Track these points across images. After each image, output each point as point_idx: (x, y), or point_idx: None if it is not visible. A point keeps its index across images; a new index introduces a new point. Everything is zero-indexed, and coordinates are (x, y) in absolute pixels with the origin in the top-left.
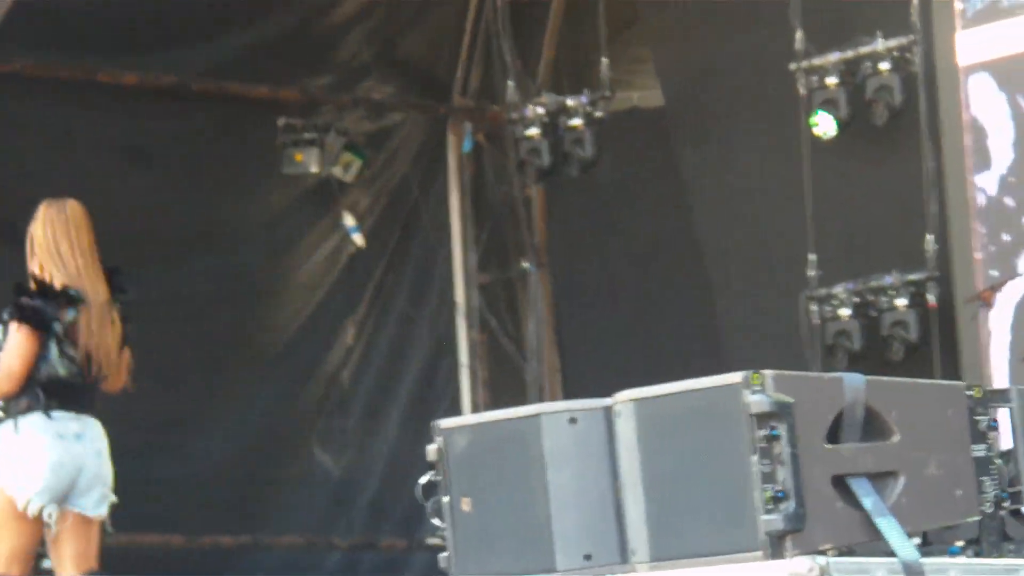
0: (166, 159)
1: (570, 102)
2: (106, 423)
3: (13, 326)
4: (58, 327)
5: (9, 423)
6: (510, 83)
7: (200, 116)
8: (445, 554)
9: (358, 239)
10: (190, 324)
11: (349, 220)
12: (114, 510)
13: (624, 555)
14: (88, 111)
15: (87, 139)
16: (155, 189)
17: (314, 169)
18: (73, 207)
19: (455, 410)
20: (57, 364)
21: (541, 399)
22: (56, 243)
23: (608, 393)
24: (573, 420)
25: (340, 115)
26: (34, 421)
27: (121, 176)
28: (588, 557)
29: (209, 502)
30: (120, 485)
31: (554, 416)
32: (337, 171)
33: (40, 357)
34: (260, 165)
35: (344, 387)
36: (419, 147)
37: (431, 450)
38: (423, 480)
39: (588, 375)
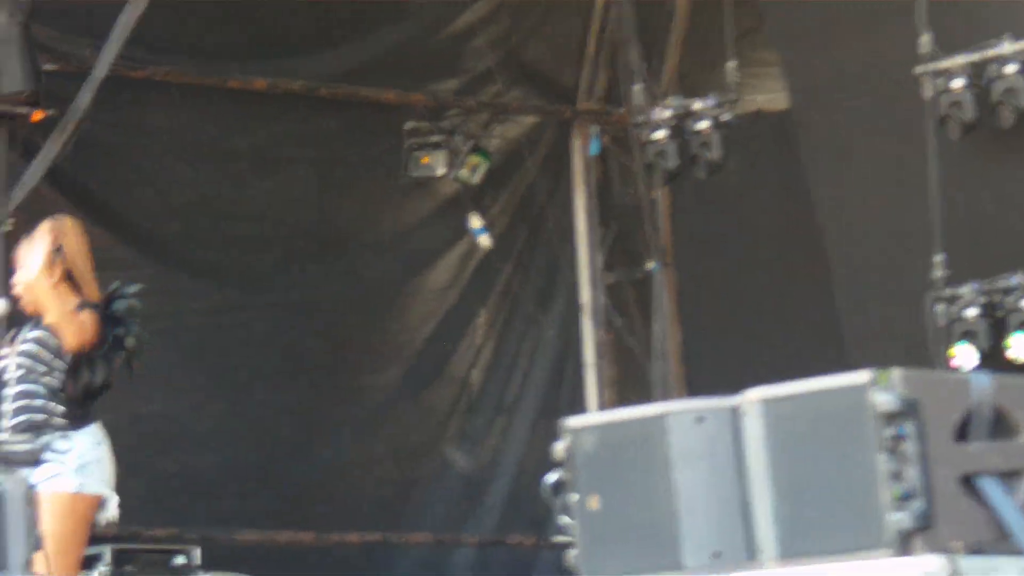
0: (295, 164)
1: (697, 105)
2: (244, 423)
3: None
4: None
5: (91, 428)
6: (636, 86)
7: (328, 121)
8: (573, 552)
9: (485, 240)
10: (321, 326)
11: (476, 222)
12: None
13: (751, 552)
14: (217, 117)
15: (216, 144)
16: (284, 193)
17: (441, 172)
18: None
19: (581, 409)
20: (105, 372)
21: (667, 398)
22: (84, 256)
23: (733, 392)
24: (700, 419)
25: (467, 119)
26: (97, 428)
27: (251, 181)
28: (716, 555)
29: (339, 501)
30: (253, 484)
31: (681, 415)
32: (464, 174)
33: (98, 361)
34: (387, 169)
35: (474, 387)
36: (545, 150)
37: (559, 448)
38: (551, 478)
39: (713, 374)
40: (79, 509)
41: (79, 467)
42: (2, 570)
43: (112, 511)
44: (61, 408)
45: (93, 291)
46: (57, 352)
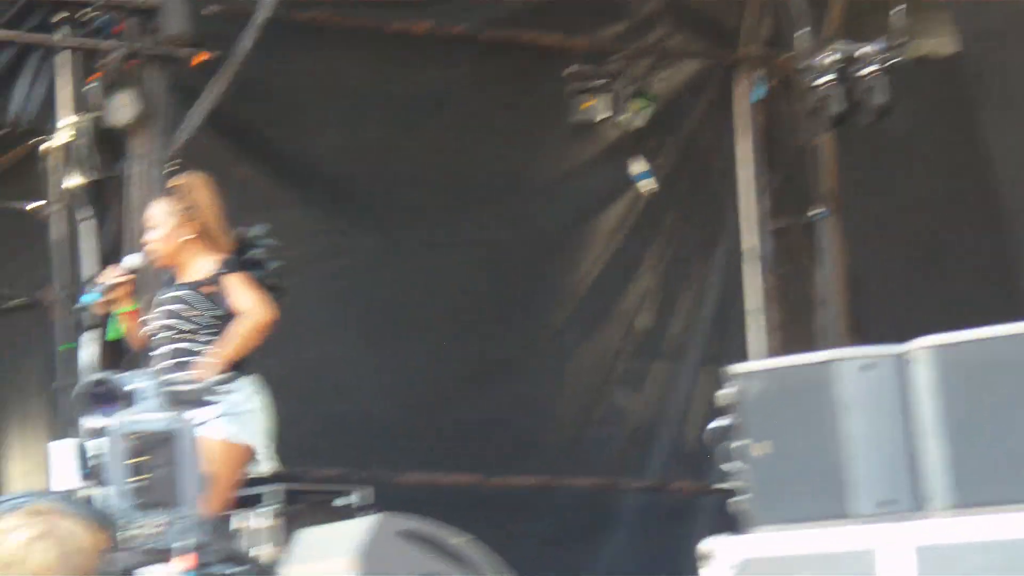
0: (457, 108)
1: (863, 49)
2: (413, 365)
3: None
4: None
5: (249, 379)
6: (802, 30)
7: (490, 65)
8: (737, 498)
9: (649, 184)
10: (489, 270)
11: (640, 166)
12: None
13: (919, 502)
14: (379, 61)
15: (378, 89)
16: (447, 138)
17: (603, 116)
18: None
19: (746, 355)
20: None
21: (832, 346)
22: (215, 210)
23: (899, 339)
24: (867, 366)
25: (630, 64)
26: (253, 379)
27: (413, 124)
28: (883, 503)
29: (506, 444)
30: (421, 426)
31: (847, 363)
32: (626, 118)
33: None
34: (550, 113)
35: (641, 331)
36: (710, 95)
37: (724, 395)
38: (716, 424)
39: (879, 321)
40: (229, 457)
41: (231, 417)
42: (173, 506)
43: (264, 464)
44: (219, 378)
45: (224, 244)
46: (203, 307)
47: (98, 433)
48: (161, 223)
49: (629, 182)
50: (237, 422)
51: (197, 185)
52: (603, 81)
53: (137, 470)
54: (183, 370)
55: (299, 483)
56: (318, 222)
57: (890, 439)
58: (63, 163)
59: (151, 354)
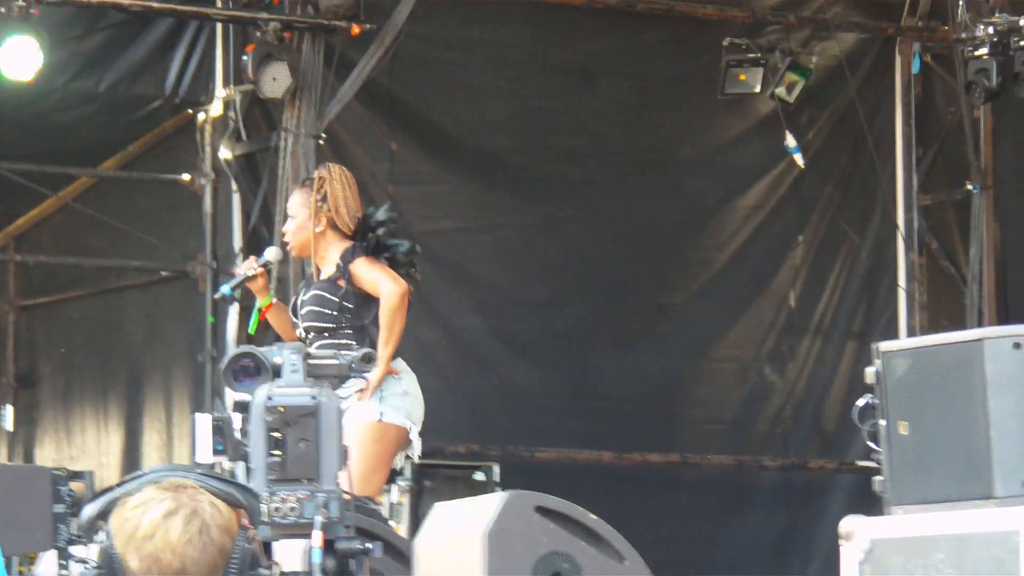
0: (613, 78)
1: (1023, 22)
2: (558, 340)
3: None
4: None
5: (400, 361)
6: (961, 2)
7: (646, 36)
8: (880, 477)
9: (799, 159)
10: (638, 242)
11: (791, 141)
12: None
13: None
14: (536, 31)
15: (534, 59)
16: (602, 108)
17: (758, 89)
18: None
19: (893, 332)
20: None
21: (981, 324)
22: (350, 201)
23: None
24: (1017, 345)
25: (786, 36)
26: (398, 363)
27: (568, 95)
28: None
29: (644, 421)
30: (560, 402)
31: (998, 341)
32: (781, 91)
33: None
34: (705, 84)
35: (791, 307)
36: (866, 68)
37: (870, 372)
38: (860, 402)
39: None
40: (384, 437)
41: (381, 398)
42: (314, 480)
43: (415, 448)
44: (365, 352)
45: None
46: (336, 305)
47: (242, 406)
48: (295, 214)
49: (782, 156)
50: (392, 403)
51: (331, 176)
52: (758, 54)
53: (279, 444)
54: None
55: (434, 458)
56: (470, 195)
57: None
58: (217, 135)
59: None
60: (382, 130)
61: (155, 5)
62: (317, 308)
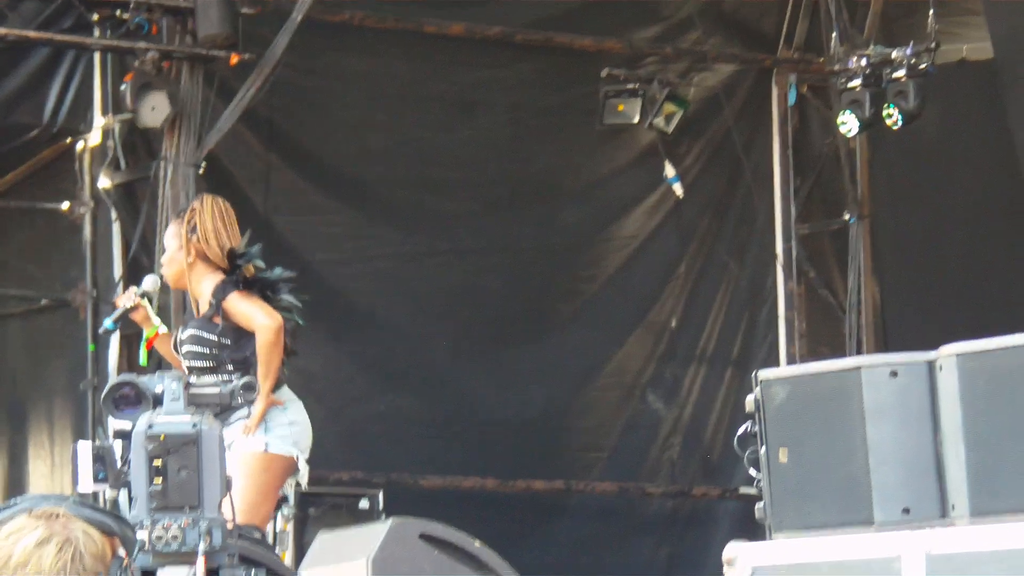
0: (491, 109)
1: (895, 54)
2: (432, 369)
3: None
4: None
5: (285, 390)
6: (834, 35)
7: (524, 67)
8: (761, 504)
9: (678, 189)
10: (516, 273)
11: (670, 171)
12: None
13: (943, 510)
14: (414, 62)
15: (413, 90)
16: (480, 139)
17: (636, 119)
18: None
19: (773, 360)
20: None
21: (859, 352)
22: (219, 234)
23: (929, 347)
24: (894, 373)
25: (664, 67)
26: (285, 391)
27: (446, 126)
28: (907, 511)
29: (526, 448)
30: (438, 430)
31: (875, 369)
32: (659, 122)
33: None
34: (583, 115)
35: (673, 335)
36: (743, 99)
37: (750, 400)
38: (741, 430)
39: (908, 328)
40: (271, 468)
41: (266, 428)
42: (196, 508)
43: (303, 476)
44: (245, 380)
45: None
46: (213, 343)
47: (123, 434)
48: (167, 245)
49: (661, 186)
50: (278, 433)
51: (203, 207)
52: (636, 85)
53: (160, 472)
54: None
55: (318, 486)
56: (348, 223)
57: (915, 446)
58: (96, 164)
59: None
60: (261, 160)
61: (32, 35)
62: (196, 348)
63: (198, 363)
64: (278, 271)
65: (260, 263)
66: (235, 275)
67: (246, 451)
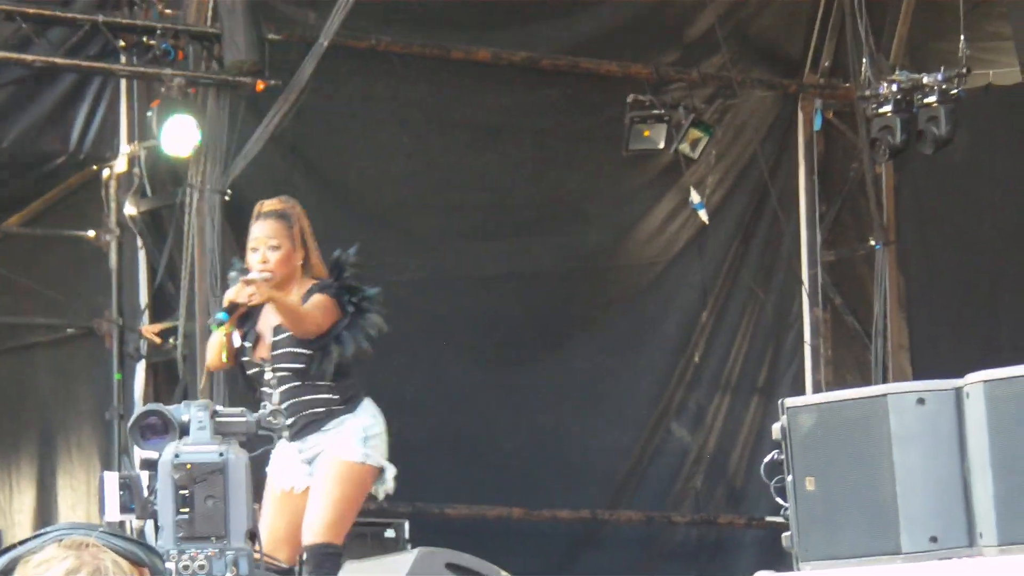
0: (516, 135)
1: (925, 80)
2: (456, 395)
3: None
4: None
5: (366, 402)
6: (864, 60)
7: (550, 92)
8: (787, 533)
9: (703, 215)
10: (539, 298)
11: (695, 196)
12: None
13: (971, 538)
14: (440, 87)
15: (438, 115)
16: (505, 164)
17: (662, 145)
18: None
19: (799, 387)
20: (354, 344)
21: (886, 379)
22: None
23: (956, 374)
24: (921, 401)
25: (690, 92)
26: (369, 402)
27: (472, 151)
28: (934, 539)
29: (552, 477)
30: (463, 458)
31: (902, 396)
32: (684, 147)
33: (344, 335)
34: (609, 141)
35: (696, 362)
36: (768, 124)
37: (776, 428)
38: (768, 458)
39: (935, 355)
40: (365, 480)
41: (364, 439)
42: (222, 538)
43: (389, 483)
44: (328, 395)
45: (321, 269)
46: (304, 345)
47: (150, 464)
48: (278, 244)
49: (685, 211)
50: (368, 444)
51: (300, 209)
52: (662, 110)
53: (187, 501)
54: (297, 411)
55: None
56: (370, 248)
57: (943, 474)
58: (122, 191)
59: (264, 390)
60: (287, 185)
61: (59, 61)
62: (285, 352)
63: (286, 366)
64: (373, 290)
65: (354, 266)
66: (339, 281)
67: (342, 458)
